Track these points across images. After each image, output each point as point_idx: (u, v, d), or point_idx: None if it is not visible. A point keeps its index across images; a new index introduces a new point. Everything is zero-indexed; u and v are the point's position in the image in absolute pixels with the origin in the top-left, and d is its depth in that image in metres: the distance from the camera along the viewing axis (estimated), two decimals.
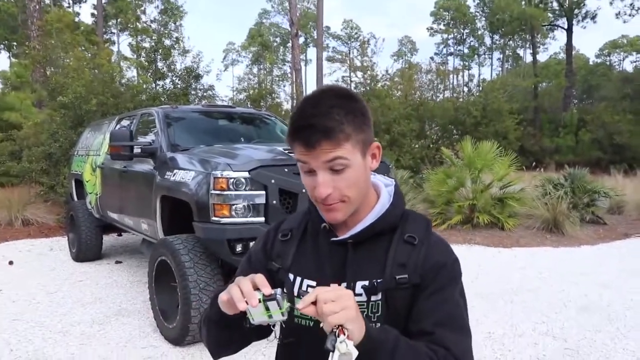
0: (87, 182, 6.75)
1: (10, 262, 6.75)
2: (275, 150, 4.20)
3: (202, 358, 3.70)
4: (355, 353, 0.88)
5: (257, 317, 0.96)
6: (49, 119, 11.03)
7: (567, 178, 10.06)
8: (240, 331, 1.11)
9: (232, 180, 3.66)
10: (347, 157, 1.02)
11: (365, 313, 1.07)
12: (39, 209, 9.79)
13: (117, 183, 5.61)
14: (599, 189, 9.83)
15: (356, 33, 59.36)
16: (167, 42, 13.77)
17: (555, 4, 37.51)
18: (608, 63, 55.06)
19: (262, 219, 3.70)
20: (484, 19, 49.06)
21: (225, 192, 3.66)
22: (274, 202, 3.71)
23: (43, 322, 4.46)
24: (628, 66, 53.33)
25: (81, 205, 6.91)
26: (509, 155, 9.61)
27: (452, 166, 9.82)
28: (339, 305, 0.89)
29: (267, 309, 0.96)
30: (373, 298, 1.08)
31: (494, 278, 5.89)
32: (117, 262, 6.77)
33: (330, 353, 0.87)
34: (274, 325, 1.10)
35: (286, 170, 3.81)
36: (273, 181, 3.71)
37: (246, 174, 3.68)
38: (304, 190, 3.78)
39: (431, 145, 14.12)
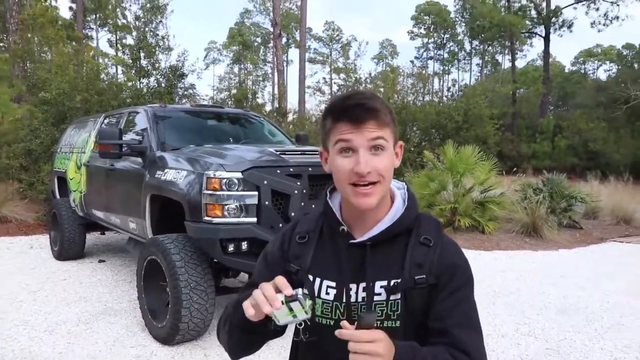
0: (71, 179, 6.68)
1: None
2: (266, 151, 4.23)
3: (191, 357, 3.72)
4: None
5: (282, 318, 1.01)
6: (29, 114, 10.84)
7: (546, 183, 10.29)
8: (263, 334, 1.15)
9: (224, 180, 3.68)
10: (386, 139, 1.11)
11: (385, 311, 1.13)
12: (17, 206, 9.60)
13: (104, 181, 5.57)
14: (576, 195, 10.08)
15: (338, 35, 59.56)
16: (152, 40, 13.65)
17: (533, 12, 38.23)
18: (583, 71, 56.31)
19: (255, 219, 3.73)
20: (464, 24, 49.73)
21: (218, 192, 3.68)
22: (267, 202, 3.74)
23: (27, 321, 4.41)
24: (602, 75, 54.72)
25: (64, 203, 6.83)
26: (489, 160, 9.80)
27: (434, 169, 9.96)
28: (371, 348, 0.95)
29: (291, 309, 1.00)
30: (392, 297, 1.14)
31: (475, 280, 5.98)
32: (100, 261, 6.71)
33: None
34: (286, 326, 1.15)
35: (278, 171, 3.85)
36: (266, 182, 3.75)
37: (239, 175, 3.71)
38: (295, 192, 3.83)
39: (413, 149, 14.28)
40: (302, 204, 3.87)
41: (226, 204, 3.67)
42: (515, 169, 14.76)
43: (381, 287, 1.14)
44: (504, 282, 5.96)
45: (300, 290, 1.02)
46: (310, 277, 1.20)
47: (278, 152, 4.15)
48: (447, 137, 13.85)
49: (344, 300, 1.16)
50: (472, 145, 10.01)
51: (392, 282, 1.13)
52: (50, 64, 11.08)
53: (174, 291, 3.72)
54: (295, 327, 1.25)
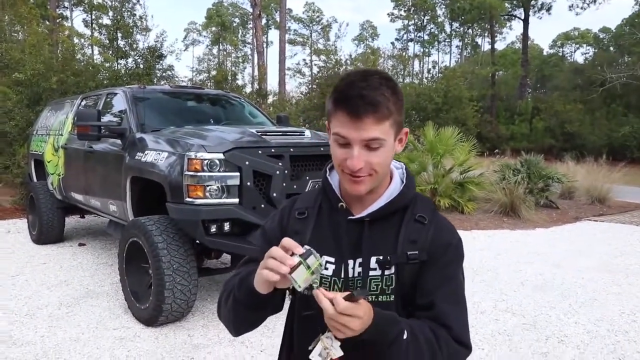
0: (48, 162, 6.57)
1: None
2: (247, 132, 4.22)
3: (175, 338, 3.74)
4: (338, 354, 1.01)
5: (301, 280, 0.99)
6: (2, 96, 10.57)
7: (524, 164, 10.46)
8: (267, 309, 1.16)
9: (206, 161, 3.67)
10: (384, 138, 1.09)
11: (380, 286, 1.16)
12: None
13: (82, 164, 5.50)
14: (552, 175, 10.29)
15: (318, 16, 59.09)
16: (129, 20, 13.36)
17: None
18: (561, 54, 56.96)
19: (237, 200, 3.73)
20: (444, 6, 49.70)
21: (200, 173, 3.67)
22: (248, 183, 3.75)
23: (7, 305, 4.36)
24: (579, 58, 55.48)
25: (42, 186, 6.72)
26: (469, 141, 9.91)
27: (415, 151, 10.04)
28: (347, 322, 0.96)
29: (308, 267, 0.99)
30: (387, 272, 1.16)
31: None
32: (80, 245, 6.65)
33: (316, 344, 1.02)
34: (283, 301, 1.19)
35: (260, 152, 3.84)
36: (247, 163, 3.74)
37: (220, 156, 3.70)
38: (277, 172, 3.84)
39: None
40: (284, 184, 3.88)
41: (208, 185, 3.67)
42: (495, 150, 14.97)
43: (376, 261, 1.16)
44: (483, 260, 6.08)
45: (307, 247, 1.02)
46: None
47: (259, 133, 4.14)
48: (427, 119, 13.97)
49: (342, 276, 1.18)
50: (452, 127, 10.11)
51: (387, 256, 1.16)
52: (23, 44, 10.76)
53: (156, 273, 3.72)
54: (291, 303, 1.28)
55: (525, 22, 37.43)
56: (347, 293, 0.97)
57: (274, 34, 54.92)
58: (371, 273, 1.17)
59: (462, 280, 1.22)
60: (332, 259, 1.20)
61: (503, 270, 5.68)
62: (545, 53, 56.59)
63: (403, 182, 1.24)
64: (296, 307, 1.26)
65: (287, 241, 1.03)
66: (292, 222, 1.27)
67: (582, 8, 37.27)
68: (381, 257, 1.16)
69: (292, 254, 1.01)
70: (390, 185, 1.23)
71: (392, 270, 1.16)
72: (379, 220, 1.19)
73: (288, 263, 0.99)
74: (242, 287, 1.14)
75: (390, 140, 1.12)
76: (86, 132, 4.64)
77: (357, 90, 1.07)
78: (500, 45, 50.29)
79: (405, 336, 1.04)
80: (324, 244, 1.20)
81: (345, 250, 1.19)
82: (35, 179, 7.27)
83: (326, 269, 1.18)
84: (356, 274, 1.18)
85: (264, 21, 44.17)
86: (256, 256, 1.16)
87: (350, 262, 1.18)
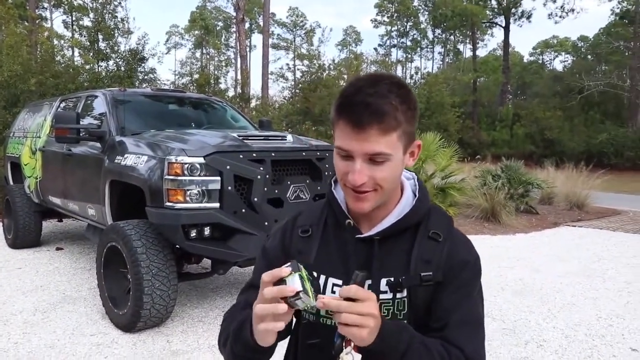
0: (25, 165, 6.45)
1: None
2: (228, 137, 4.19)
3: (153, 344, 3.68)
4: None
5: (309, 294, 0.90)
6: None
7: (504, 170, 10.58)
8: (273, 349, 1.05)
9: (186, 165, 3.64)
10: (389, 152, 0.98)
11: (392, 310, 1.06)
12: None
13: (61, 167, 5.41)
14: (532, 181, 10.42)
15: (302, 21, 59.21)
16: (110, 22, 13.22)
17: (494, 2, 38.96)
18: (540, 61, 57.91)
19: (217, 204, 3.70)
20: (426, 12, 50.20)
21: (180, 178, 3.63)
22: (229, 188, 3.72)
23: None
24: (558, 65, 56.43)
25: (18, 190, 6.60)
26: (450, 147, 9.99)
27: None
28: (363, 309, 0.88)
29: (301, 277, 0.90)
30: (398, 295, 1.06)
31: None
32: (57, 249, 6.53)
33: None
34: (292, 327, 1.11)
35: (241, 156, 3.82)
36: (228, 167, 3.72)
37: (201, 160, 3.67)
38: (258, 177, 3.82)
39: None
40: (265, 189, 3.86)
41: (188, 189, 3.63)
42: (476, 156, 15.12)
43: (387, 283, 1.06)
44: None
45: (294, 265, 0.91)
46: (315, 274, 1.11)
47: (241, 137, 4.12)
48: None
49: None
50: (434, 133, 10.19)
51: (398, 278, 1.06)
52: (1, 45, 10.57)
53: (135, 278, 3.67)
54: (293, 330, 1.17)
55: (506, 29, 38.00)
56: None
57: (257, 38, 54.98)
58: (381, 296, 1.06)
59: (480, 298, 1.12)
60: (340, 281, 1.09)
61: (484, 274, 5.60)
62: (525, 60, 57.53)
63: (415, 195, 1.14)
64: (300, 335, 1.14)
65: (268, 275, 0.92)
66: (295, 240, 1.16)
67: (560, 17, 37.90)
68: (392, 279, 1.06)
69: (280, 281, 0.90)
70: (402, 200, 1.12)
71: (404, 293, 1.06)
72: (389, 239, 1.09)
73: (286, 293, 0.88)
74: (238, 342, 1.03)
75: (399, 154, 1.01)
76: (65, 135, 4.57)
77: (362, 97, 0.97)
78: (481, 52, 51.03)
79: (417, 346, 0.97)
80: (331, 265, 1.11)
81: (354, 271, 1.06)
82: (11, 182, 7.14)
83: (333, 292, 1.08)
84: None
85: (247, 25, 44.11)
86: (258, 282, 1.02)
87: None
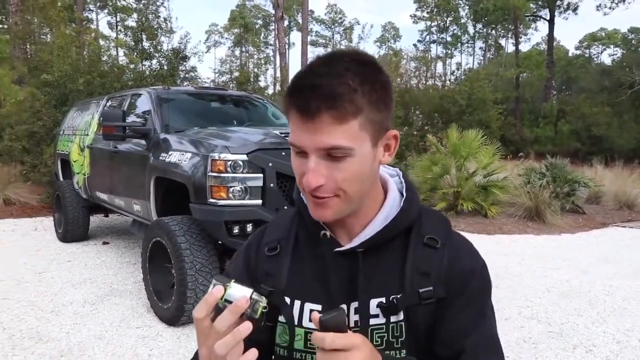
0: (74, 162, 6.67)
1: None
2: (270, 134, 4.22)
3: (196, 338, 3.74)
4: None
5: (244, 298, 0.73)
6: (31, 97, 10.81)
7: (549, 168, 10.27)
8: None
9: (230, 162, 3.68)
10: (349, 146, 0.78)
11: (386, 338, 0.87)
12: (20, 188, 9.63)
13: (107, 164, 5.57)
14: (579, 179, 10.08)
15: (340, 18, 59.14)
16: (153, 22, 13.54)
17: None
18: (587, 55, 55.91)
19: (260, 201, 3.73)
20: (467, 7, 49.22)
21: (223, 175, 3.67)
22: (272, 185, 3.74)
23: (34, 302, 4.44)
24: (606, 59, 54.34)
25: (67, 185, 6.84)
26: (492, 144, 9.77)
27: (437, 153, 9.94)
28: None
29: (230, 286, 0.74)
30: (393, 319, 0.87)
31: None
32: (104, 243, 6.74)
33: None
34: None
35: (283, 153, 3.83)
36: (271, 164, 3.74)
37: (244, 157, 3.70)
38: None
39: (415, 133, 14.25)
40: None
41: (231, 186, 3.67)
42: (519, 153, 14.75)
43: (378, 305, 0.87)
44: (507, 265, 5.98)
45: (214, 278, 0.77)
46: (288, 300, 0.92)
47: (282, 135, 4.14)
48: (450, 121, 13.81)
49: None
50: (476, 130, 9.98)
51: (391, 298, 0.87)
52: (52, 46, 10.99)
53: (179, 273, 3.74)
54: None
55: (551, 22, 36.82)
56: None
57: (296, 36, 55.13)
58: (372, 321, 0.87)
59: (493, 314, 0.94)
60: (319, 307, 0.89)
61: (528, 276, 5.57)
62: (570, 54, 55.64)
63: (403, 195, 0.94)
64: None
65: (200, 311, 0.74)
66: (262, 261, 0.97)
67: (610, 8, 36.42)
68: (384, 300, 0.87)
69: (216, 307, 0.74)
70: (386, 202, 0.92)
71: (401, 316, 0.87)
72: (376, 250, 0.90)
73: (242, 306, 0.72)
74: None
75: (364, 148, 0.80)
76: (111, 133, 4.70)
77: (311, 79, 0.77)
78: (524, 47, 49.66)
79: None
80: (306, 287, 0.92)
81: (336, 293, 0.89)
82: (61, 178, 7.40)
83: (311, 320, 0.84)
84: (352, 324, 0.88)
85: (286, 23, 44.37)
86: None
87: (343, 307, 0.88)
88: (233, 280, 0.74)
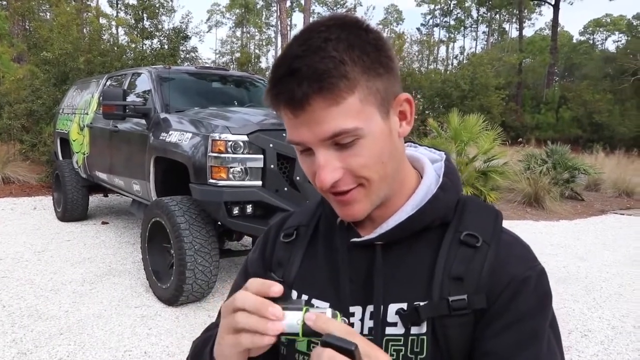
0: (73, 141, 6.65)
1: None
2: (271, 114, 4.19)
3: (195, 318, 3.77)
4: None
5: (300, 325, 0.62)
6: (30, 74, 10.73)
7: (550, 154, 10.26)
8: None
9: (230, 143, 3.66)
10: (355, 126, 0.66)
11: (403, 353, 0.71)
12: (19, 167, 9.61)
13: (107, 143, 5.55)
14: (579, 166, 10.08)
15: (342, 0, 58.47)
16: (155, 0, 13.38)
17: None
18: (591, 42, 55.48)
19: (260, 182, 3.72)
20: None
21: (223, 155, 3.66)
22: (272, 166, 3.73)
23: (33, 280, 4.46)
24: (610, 45, 53.96)
25: (67, 165, 6.82)
26: (493, 130, 9.73)
27: (438, 138, 9.90)
28: None
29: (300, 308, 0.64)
30: (414, 330, 0.71)
31: None
32: (103, 223, 6.75)
33: None
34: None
35: (284, 134, 3.80)
36: (271, 145, 3.72)
37: (245, 137, 3.68)
38: None
39: (417, 117, 14.19)
40: None
41: (231, 167, 3.66)
42: (519, 139, 14.73)
43: (397, 312, 0.72)
44: None
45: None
46: (295, 294, 0.80)
47: None
48: (452, 106, 13.74)
49: None
50: (477, 114, 9.93)
51: (415, 304, 0.71)
52: (51, 23, 10.87)
53: (178, 253, 3.75)
54: None
55: (556, 7, 36.45)
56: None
57: (298, 17, 54.68)
58: (388, 330, 0.72)
59: (553, 339, 0.72)
60: (326, 304, 0.76)
61: None
62: (574, 40, 55.19)
63: (439, 180, 0.78)
64: None
65: (255, 284, 0.65)
66: (277, 248, 0.86)
67: None
68: (404, 306, 0.72)
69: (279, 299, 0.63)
70: (418, 189, 0.77)
71: (424, 328, 0.71)
72: (401, 245, 0.76)
73: (277, 316, 0.61)
74: None
75: (374, 123, 0.68)
76: (111, 112, 4.67)
77: (288, 64, 0.65)
78: (528, 32, 49.27)
79: None
80: (315, 281, 0.80)
81: (346, 292, 0.76)
82: (60, 157, 7.39)
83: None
84: (365, 330, 0.74)
85: (288, 3, 43.94)
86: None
87: (356, 310, 0.75)
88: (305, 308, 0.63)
